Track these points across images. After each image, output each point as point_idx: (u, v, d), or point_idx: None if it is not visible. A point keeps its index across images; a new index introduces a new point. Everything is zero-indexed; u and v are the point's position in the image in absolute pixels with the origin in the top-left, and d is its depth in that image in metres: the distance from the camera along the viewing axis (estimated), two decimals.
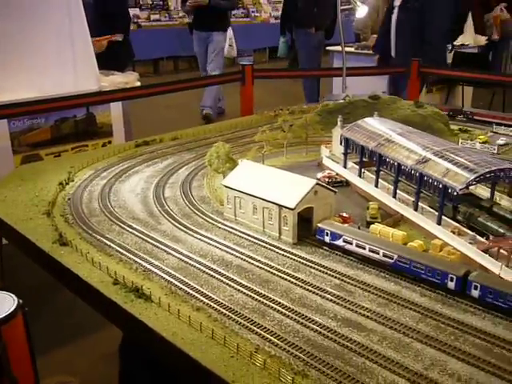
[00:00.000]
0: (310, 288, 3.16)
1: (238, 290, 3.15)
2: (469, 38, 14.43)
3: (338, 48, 10.35)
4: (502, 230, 3.55)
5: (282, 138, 5.27)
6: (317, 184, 3.70)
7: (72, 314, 6.19)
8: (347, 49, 10.86)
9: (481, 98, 14.49)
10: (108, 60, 8.31)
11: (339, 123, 5.21)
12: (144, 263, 3.44)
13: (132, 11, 14.23)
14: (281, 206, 3.64)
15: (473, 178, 3.63)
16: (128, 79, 8.05)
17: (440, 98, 13.40)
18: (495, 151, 5.73)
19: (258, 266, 3.41)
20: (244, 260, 3.49)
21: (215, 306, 2.99)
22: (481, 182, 4.10)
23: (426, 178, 3.90)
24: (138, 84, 8.30)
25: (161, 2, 23.47)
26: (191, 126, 7.14)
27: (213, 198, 4.45)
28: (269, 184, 3.82)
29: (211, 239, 3.77)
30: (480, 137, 6.14)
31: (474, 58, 14.21)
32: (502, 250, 3.30)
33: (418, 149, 4.12)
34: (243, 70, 7.66)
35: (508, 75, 14.86)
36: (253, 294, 3.10)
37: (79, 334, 6.14)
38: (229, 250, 3.61)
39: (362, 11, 7.94)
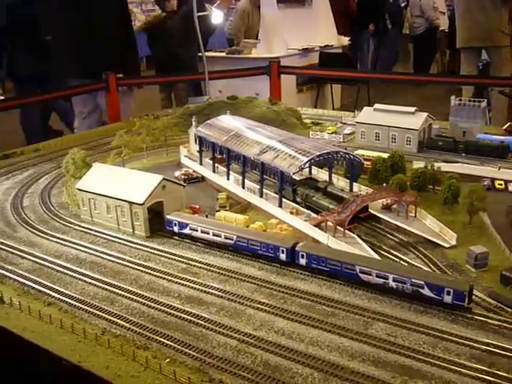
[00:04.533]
0: (158, 274, 3.41)
1: (90, 283, 3.34)
2: (333, 39, 15.27)
3: (212, 53, 10.71)
4: (331, 206, 4.01)
5: (140, 141, 5.47)
6: (164, 179, 3.95)
7: None
8: (219, 54, 11.28)
9: (348, 94, 15.47)
10: None
11: (194, 123, 5.51)
12: None
13: None
14: (131, 203, 3.86)
15: (304, 161, 4.06)
16: None
17: (311, 97, 14.16)
18: (341, 140, 6.32)
19: (110, 260, 3.61)
20: (98, 256, 3.67)
21: (66, 299, 3.16)
22: (313, 165, 4.58)
23: (266, 166, 4.29)
24: None
25: None
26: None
27: (71, 202, 4.57)
28: (119, 183, 4.02)
29: (67, 241, 3.91)
30: (329, 128, 6.70)
31: (338, 57, 15.13)
32: (329, 223, 3.74)
33: (261, 140, 4.49)
34: (107, 79, 7.76)
35: (369, 72, 16.07)
36: (104, 285, 3.30)
37: None
38: (83, 249, 3.78)
39: (217, 17, 8.31)
